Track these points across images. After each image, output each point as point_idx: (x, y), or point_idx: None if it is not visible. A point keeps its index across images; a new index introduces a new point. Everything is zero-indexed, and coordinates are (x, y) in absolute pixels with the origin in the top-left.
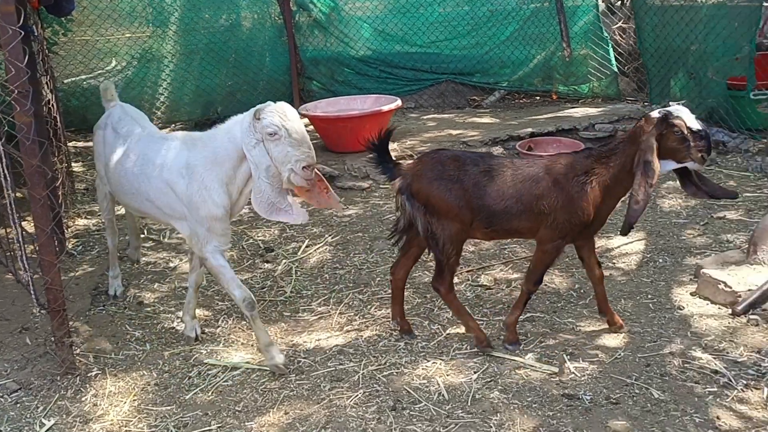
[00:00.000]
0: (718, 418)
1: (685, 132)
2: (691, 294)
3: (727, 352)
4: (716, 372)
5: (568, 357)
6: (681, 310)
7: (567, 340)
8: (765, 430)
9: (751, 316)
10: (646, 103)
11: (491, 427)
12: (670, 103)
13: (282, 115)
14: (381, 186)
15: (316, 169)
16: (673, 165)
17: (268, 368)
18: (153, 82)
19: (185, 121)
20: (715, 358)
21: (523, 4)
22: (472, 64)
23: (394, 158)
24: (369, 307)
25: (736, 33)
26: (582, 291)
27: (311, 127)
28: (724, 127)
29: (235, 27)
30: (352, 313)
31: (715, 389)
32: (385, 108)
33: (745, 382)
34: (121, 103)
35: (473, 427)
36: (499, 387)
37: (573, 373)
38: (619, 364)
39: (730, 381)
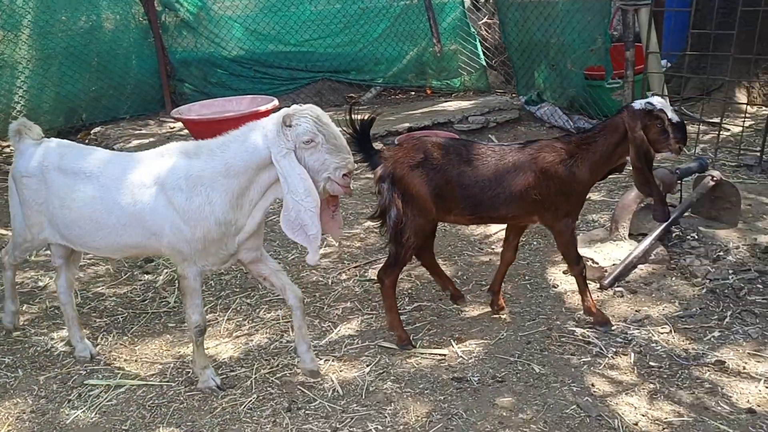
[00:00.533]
0: (593, 385)
1: (666, 124)
2: (564, 272)
3: (596, 326)
4: (589, 343)
5: (455, 342)
6: (555, 288)
7: (453, 325)
8: (634, 392)
9: (617, 289)
10: (513, 95)
11: (386, 417)
12: (648, 94)
13: (316, 119)
14: None
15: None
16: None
17: (155, 384)
18: (7, 90)
19: (47, 130)
20: (587, 330)
21: (393, 1)
22: (347, 62)
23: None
24: (258, 310)
25: (589, 26)
26: (465, 278)
27: (185, 131)
28: (584, 115)
29: (96, 29)
30: (241, 318)
31: (589, 359)
32: (262, 108)
33: (614, 349)
34: (49, 139)
35: (368, 419)
36: (392, 377)
37: (461, 356)
38: (503, 344)
39: (602, 350)
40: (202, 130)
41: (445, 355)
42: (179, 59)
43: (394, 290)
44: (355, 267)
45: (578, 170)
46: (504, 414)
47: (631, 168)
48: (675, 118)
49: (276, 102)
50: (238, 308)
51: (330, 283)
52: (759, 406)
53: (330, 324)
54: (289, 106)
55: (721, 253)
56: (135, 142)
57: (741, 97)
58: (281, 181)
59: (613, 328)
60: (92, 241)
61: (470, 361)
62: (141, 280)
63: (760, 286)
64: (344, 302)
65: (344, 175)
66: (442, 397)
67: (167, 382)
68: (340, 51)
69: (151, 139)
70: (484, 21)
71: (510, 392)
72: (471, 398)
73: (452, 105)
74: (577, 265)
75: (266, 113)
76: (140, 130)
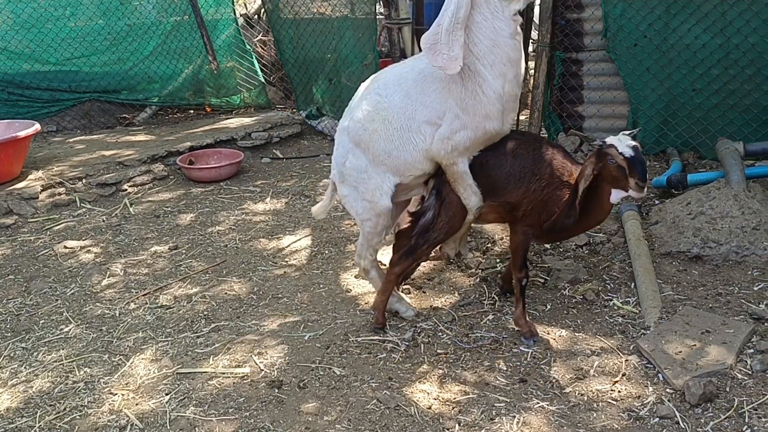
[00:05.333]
0: (390, 378)
1: (619, 161)
2: (355, 277)
3: (390, 321)
4: (384, 340)
5: (257, 356)
6: (349, 292)
7: (253, 341)
8: (426, 379)
9: (404, 287)
10: (294, 110)
11: None
12: (627, 129)
13: None
14: (29, 220)
15: None
16: (622, 194)
17: None
18: None
19: None
20: (381, 328)
21: (162, 18)
22: (117, 81)
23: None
24: (35, 354)
25: (360, 43)
26: (261, 293)
27: None
28: None
29: None
30: (17, 365)
31: (385, 355)
32: (22, 134)
33: (407, 343)
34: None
35: None
36: (194, 402)
37: (263, 370)
38: (304, 351)
39: (396, 345)
40: None
41: (247, 372)
42: None
43: (398, 279)
44: (144, 295)
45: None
46: (310, 419)
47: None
48: (628, 152)
49: (37, 126)
50: (12, 354)
51: (118, 315)
52: (529, 375)
53: (121, 357)
54: (54, 131)
55: (489, 245)
56: None
57: None
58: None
59: (403, 323)
60: (406, 153)
61: (273, 373)
62: None
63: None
64: (135, 333)
65: None
66: (247, 414)
67: None
68: (108, 70)
69: None
70: (259, 38)
71: (314, 397)
72: (277, 409)
73: (234, 122)
74: (519, 272)
75: (27, 139)
76: None
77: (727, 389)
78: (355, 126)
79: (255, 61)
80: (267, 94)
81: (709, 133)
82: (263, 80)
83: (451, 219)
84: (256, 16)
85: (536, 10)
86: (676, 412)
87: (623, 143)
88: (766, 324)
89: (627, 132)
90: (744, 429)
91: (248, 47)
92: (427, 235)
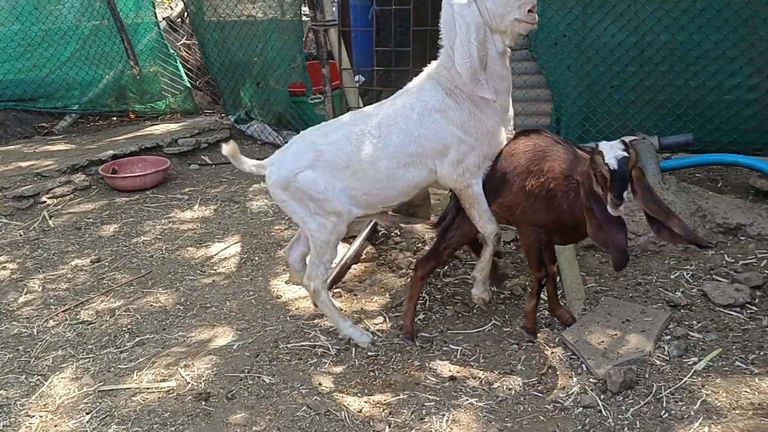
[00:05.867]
0: (320, 384)
1: (603, 170)
2: (286, 282)
3: (321, 326)
4: (315, 345)
5: (183, 369)
6: (279, 298)
7: (180, 353)
8: (357, 382)
9: (335, 290)
10: (222, 115)
11: None
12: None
13: None
14: None
15: None
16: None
17: None
18: None
19: None
20: (312, 334)
21: (80, 22)
22: (33, 89)
23: None
24: None
25: (287, 45)
26: (188, 303)
27: None
28: (292, 130)
29: None
30: None
31: (315, 360)
32: None
33: (338, 347)
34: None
35: None
36: (117, 420)
37: (190, 383)
38: (232, 361)
39: (327, 350)
40: None
41: (173, 386)
42: None
43: (423, 282)
44: (64, 311)
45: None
46: (238, 431)
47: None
48: (612, 164)
49: None
50: None
51: (36, 333)
52: (458, 373)
53: (39, 377)
54: None
55: (420, 245)
56: None
57: None
58: (461, 31)
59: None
60: (392, 191)
61: (200, 385)
62: None
63: (451, 269)
64: (54, 351)
65: (530, 10)
66: (173, 429)
67: None
68: (23, 77)
69: None
70: (182, 42)
71: (242, 408)
72: (204, 423)
73: (159, 128)
74: (538, 272)
75: None
76: None
77: (647, 376)
78: (333, 154)
79: (180, 66)
80: (194, 99)
81: (628, 128)
82: (189, 85)
83: (468, 221)
84: (179, 20)
85: None
86: (599, 401)
87: (612, 152)
88: (682, 311)
89: (629, 138)
90: (662, 413)
91: (172, 51)
92: (447, 235)
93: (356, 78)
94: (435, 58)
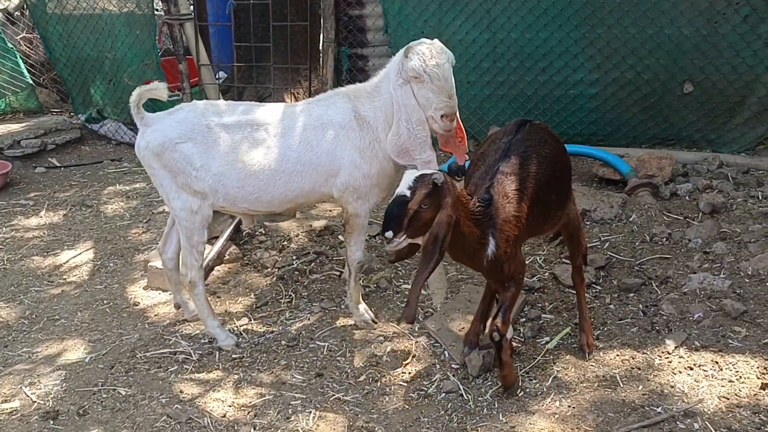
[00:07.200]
0: (182, 391)
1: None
2: (144, 288)
3: (182, 331)
4: (175, 352)
5: (28, 387)
6: (137, 305)
7: (24, 370)
8: (220, 386)
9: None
10: (71, 113)
11: None
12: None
13: (428, 57)
14: None
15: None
16: None
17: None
18: None
19: None
20: (172, 340)
21: None
22: None
23: None
24: None
25: (139, 40)
26: (34, 316)
27: None
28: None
29: None
30: None
31: (176, 367)
32: None
33: (200, 353)
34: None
35: None
36: None
37: (36, 401)
38: (84, 375)
39: (189, 356)
40: None
41: (16, 407)
42: None
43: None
44: None
45: None
46: None
47: None
48: (397, 191)
49: None
50: None
51: None
52: (325, 368)
53: None
54: None
55: (285, 243)
56: None
57: (290, 101)
58: (395, 108)
59: (197, 332)
60: (266, 195)
61: (48, 403)
62: None
63: (317, 266)
64: None
65: (442, 116)
66: None
67: None
68: None
69: None
70: (23, 36)
71: (96, 423)
72: None
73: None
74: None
75: None
76: None
77: None
78: (221, 136)
79: (20, 61)
80: (38, 97)
81: (485, 122)
82: (31, 82)
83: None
84: (17, 12)
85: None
86: (460, 385)
87: (405, 181)
88: (535, 294)
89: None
90: (518, 392)
91: (10, 46)
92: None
93: (218, 75)
94: (296, 55)
